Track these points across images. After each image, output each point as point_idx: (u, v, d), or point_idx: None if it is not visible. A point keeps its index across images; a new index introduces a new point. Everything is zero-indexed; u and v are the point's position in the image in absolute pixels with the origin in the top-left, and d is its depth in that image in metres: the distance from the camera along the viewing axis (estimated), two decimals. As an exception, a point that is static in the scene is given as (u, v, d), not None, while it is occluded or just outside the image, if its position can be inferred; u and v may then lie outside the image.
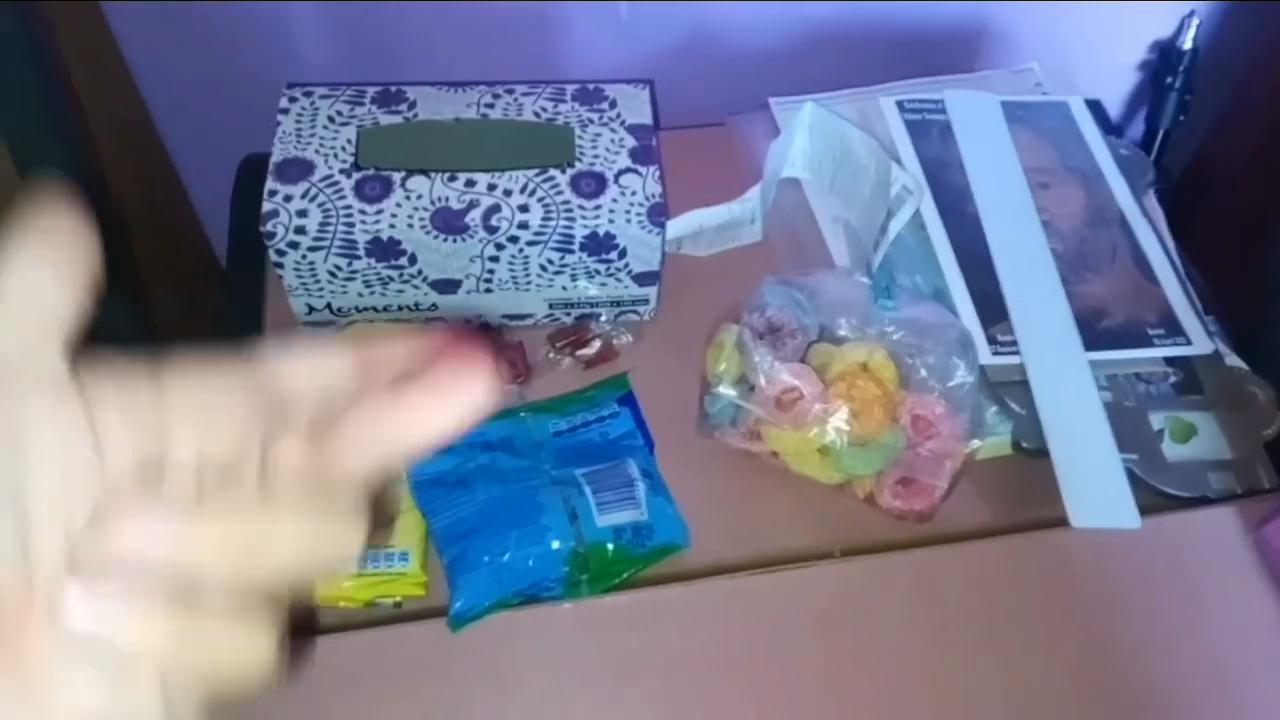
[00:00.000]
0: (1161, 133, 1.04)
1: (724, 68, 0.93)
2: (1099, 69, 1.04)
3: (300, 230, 0.63)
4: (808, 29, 0.93)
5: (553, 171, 0.66)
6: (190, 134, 0.91)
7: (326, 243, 0.63)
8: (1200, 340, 0.69)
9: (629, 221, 0.65)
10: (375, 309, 0.69)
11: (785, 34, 0.93)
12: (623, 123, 0.69)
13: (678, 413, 0.68)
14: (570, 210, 0.64)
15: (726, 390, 0.65)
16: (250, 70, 0.84)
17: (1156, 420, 0.67)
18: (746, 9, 0.90)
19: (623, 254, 0.67)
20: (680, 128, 0.86)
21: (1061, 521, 0.62)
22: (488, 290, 0.68)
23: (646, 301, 0.72)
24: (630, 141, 0.68)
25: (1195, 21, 0.97)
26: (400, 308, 0.69)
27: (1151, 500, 0.64)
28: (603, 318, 0.72)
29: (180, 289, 0.86)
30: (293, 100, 0.68)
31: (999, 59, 0.96)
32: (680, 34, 0.91)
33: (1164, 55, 1.01)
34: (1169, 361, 0.69)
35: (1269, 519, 0.62)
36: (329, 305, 0.68)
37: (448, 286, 0.68)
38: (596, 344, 0.71)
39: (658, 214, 0.65)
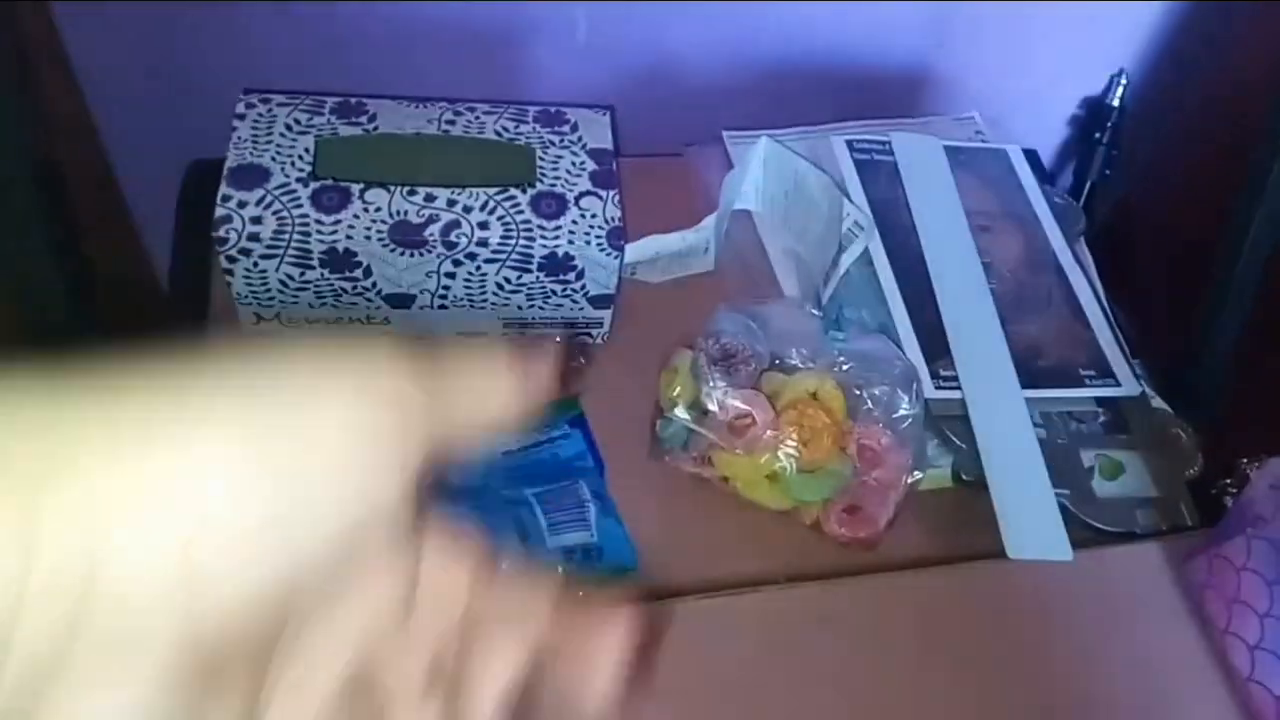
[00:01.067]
0: (1089, 185, 1.09)
1: (680, 99, 0.95)
2: (1033, 121, 1.09)
3: (254, 237, 0.61)
4: (761, 66, 0.95)
5: (514, 191, 0.66)
6: (132, 137, 0.88)
7: (280, 252, 0.62)
8: (1129, 383, 0.72)
9: (588, 244, 0.65)
10: (326, 321, 0.68)
11: (739, 70, 0.95)
12: (584, 146, 0.70)
13: (628, 436, 0.68)
14: (530, 230, 0.65)
15: (680, 414, 0.65)
16: (198, 75, 0.82)
17: (1087, 457, 0.70)
18: (702, 43, 0.92)
19: (580, 275, 0.67)
20: (637, 155, 0.87)
21: (998, 552, 0.64)
22: (442, 307, 0.68)
23: (600, 324, 0.72)
24: (591, 165, 0.69)
25: (1123, 81, 1.03)
26: (351, 320, 0.68)
27: (1082, 534, 0.67)
28: (556, 339, 0.72)
29: (118, 295, 0.84)
30: (249, 106, 0.67)
31: (940, 106, 1.00)
32: (638, 64, 0.92)
33: (1093, 111, 1.06)
34: (1099, 402, 0.72)
35: (1191, 556, 0.65)
36: (278, 316, 0.67)
37: (401, 301, 0.67)
38: (548, 365, 0.71)
39: (617, 238, 0.66)
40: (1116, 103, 1.04)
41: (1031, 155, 0.87)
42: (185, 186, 0.77)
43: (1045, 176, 0.87)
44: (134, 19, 0.78)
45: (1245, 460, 0.65)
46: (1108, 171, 1.08)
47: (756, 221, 0.82)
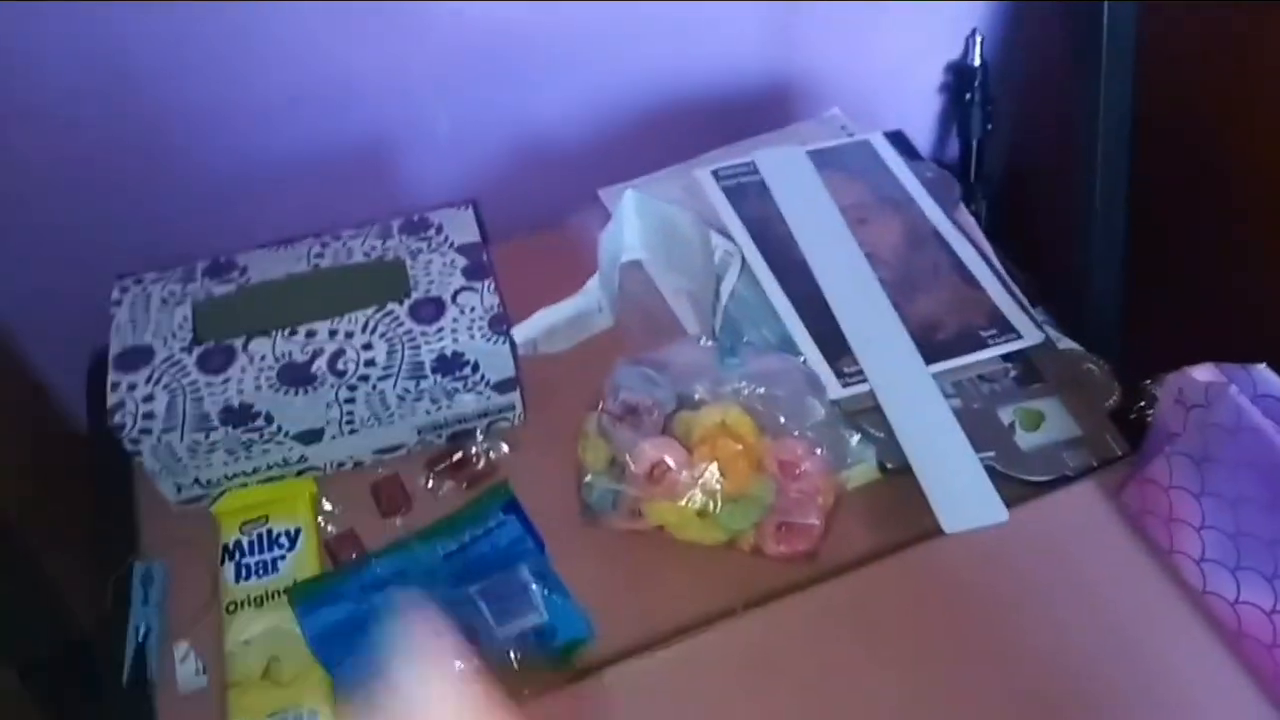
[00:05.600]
0: (975, 144, 1.11)
1: (555, 169, 0.97)
2: (903, 99, 1.11)
3: (149, 415, 0.63)
4: (626, 117, 0.98)
5: (391, 305, 0.68)
6: (40, 336, 0.90)
7: (178, 422, 0.64)
8: (1030, 332, 0.74)
9: (473, 337, 0.67)
10: (245, 473, 0.69)
11: (606, 127, 0.97)
12: (452, 245, 0.72)
13: (562, 508, 0.69)
14: (414, 339, 0.66)
15: (600, 476, 0.66)
16: (87, 264, 0.84)
17: (1005, 415, 0.71)
18: (563, 111, 0.94)
19: (475, 368, 0.69)
20: (519, 236, 0.89)
21: (938, 531, 0.65)
22: (352, 431, 0.69)
23: (513, 407, 0.74)
24: (462, 261, 0.71)
25: (979, 38, 1.06)
26: (270, 466, 0.70)
27: (1018, 491, 0.68)
28: (478, 434, 0.73)
29: (50, 489, 0.85)
30: (124, 291, 0.69)
31: (807, 109, 1.02)
32: (506, 146, 0.95)
33: (958, 74, 1.09)
34: (1006, 358, 0.73)
35: (1125, 484, 0.66)
36: (197, 480, 0.68)
37: (311, 436, 0.69)
38: (475, 463, 0.72)
39: (499, 324, 0.68)
40: (977, 61, 1.07)
41: (896, 137, 0.89)
42: (90, 378, 0.79)
43: (914, 154, 0.89)
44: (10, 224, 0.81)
45: (1149, 381, 0.66)
46: (989, 126, 1.10)
47: (648, 269, 0.84)
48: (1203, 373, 0.61)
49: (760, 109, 1.01)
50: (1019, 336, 0.73)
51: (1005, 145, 1.15)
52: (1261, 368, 0.60)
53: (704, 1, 0.90)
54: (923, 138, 1.16)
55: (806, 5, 0.96)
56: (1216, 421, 0.59)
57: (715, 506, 0.64)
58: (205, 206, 0.86)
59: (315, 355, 0.65)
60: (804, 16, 0.97)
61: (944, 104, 1.13)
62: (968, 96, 1.09)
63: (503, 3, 0.83)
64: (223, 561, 0.67)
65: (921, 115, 1.13)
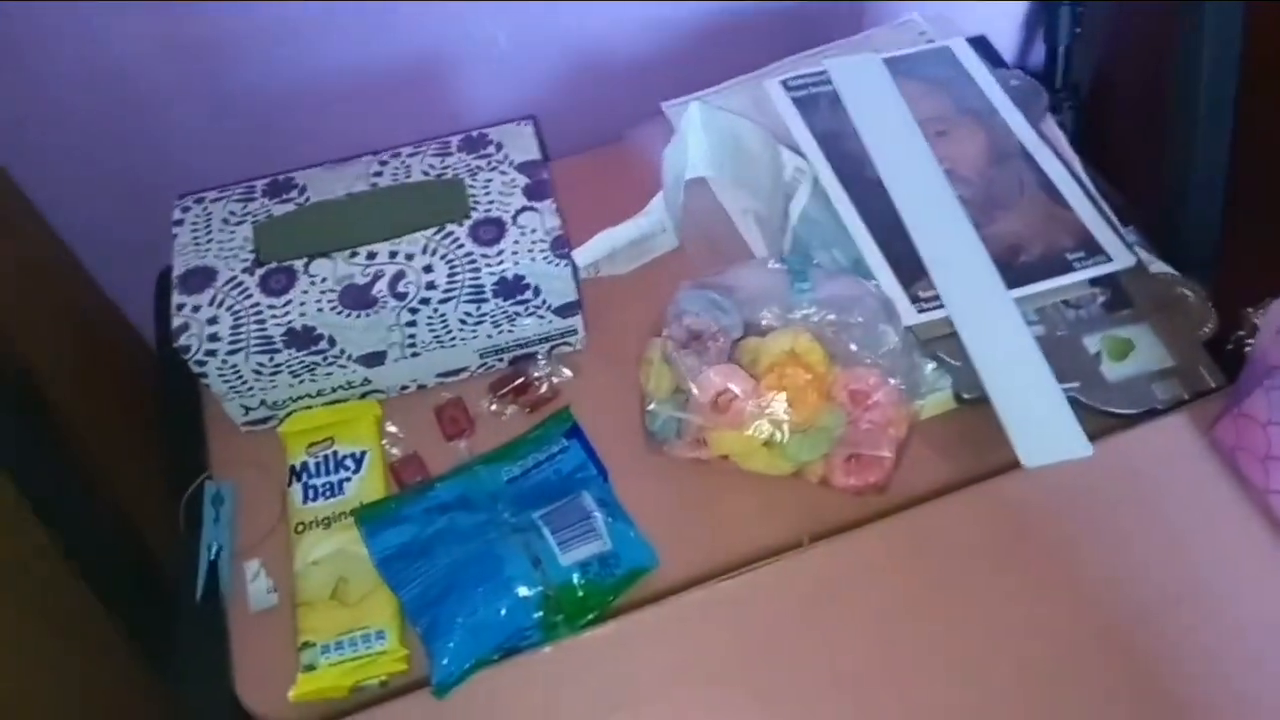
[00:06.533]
0: (1062, 49, 1.04)
1: (616, 79, 0.93)
2: (986, 2, 1.04)
3: (214, 337, 0.63)
4: (692, 25, 0.93)
5: (450, 227, 0.66)
6: (110, 258, 0.91)
7: (242, 344, 0.63)
8: (1120, 255, 0.69)
9: (534, 260, 0.65)
10: (310, 395, 0.69)
11: (671, 34, 0.93)
12: (512, 163, 0.70)
13: (625, 435, 0.68)
14: (474, 261, 0.65)
15: (664, 404, 0.65)
16: (149, 181, 0.84)
17: (1091, 343, 0.67)
18: (624, 20, 0.90)
19: (537, 291, 0.67)
20: (579, 152, 0.86)
21: (1016, 464, 0.62)
22: (414, 355, 0.69)
23: (575, 331, 0.72)
24: (522, 180, 0.69)
25: (1073, -68, 0.98)
26: (334, 389, 0.69)
27: (1103, 424, 0.65)
28: (539, 358, 0.72)
29: (123, 410, 0.87)
30: (185, 210, 0.69)
31: (885, 14, 0.96)
32: (566, 55, 0.91)
33: (1049, -28, 1.01)
34: (1094, 282, 0.69)
35: (1219, 418, 0.63)
36: (263, 402, 0.68)
37: (374, 359, 0.68)
38: (537, 387, 0.71)
39: (560, 246, 0.66)
40: (1071, -45, 0.99)
41: (979, 42, 0.83)
42: (158, 296, 0.79)
43: (998, 61, 0.83)
44: (77, 144, 0.80)
45: (1250, 309, 0.62)
46: (1078, 30, 1.03)
47: (713, 187, 0.81)
48: (1312, 301, 0.57)
49: (832, 14, 0.96)
50: (1108, 259, 0.69)
51: (1095, 52, 1.07)
52: (1380, 297, 0.55)
53: (775, -102, 0.84)
54: (1004, 43, 1.09)
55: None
56: (1326, 354, 0.55)
57: (782, 437, 0.62)
58: (260, 124, 0.84)
59: (376, 277, 0.64)
60: (882, -88, 0.91)
61: (1029, 7, 1.06)
62: (1057, -4, 1.01)
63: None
64: (290, 483, 0.67)
65: (1005, 19, 1.06)
